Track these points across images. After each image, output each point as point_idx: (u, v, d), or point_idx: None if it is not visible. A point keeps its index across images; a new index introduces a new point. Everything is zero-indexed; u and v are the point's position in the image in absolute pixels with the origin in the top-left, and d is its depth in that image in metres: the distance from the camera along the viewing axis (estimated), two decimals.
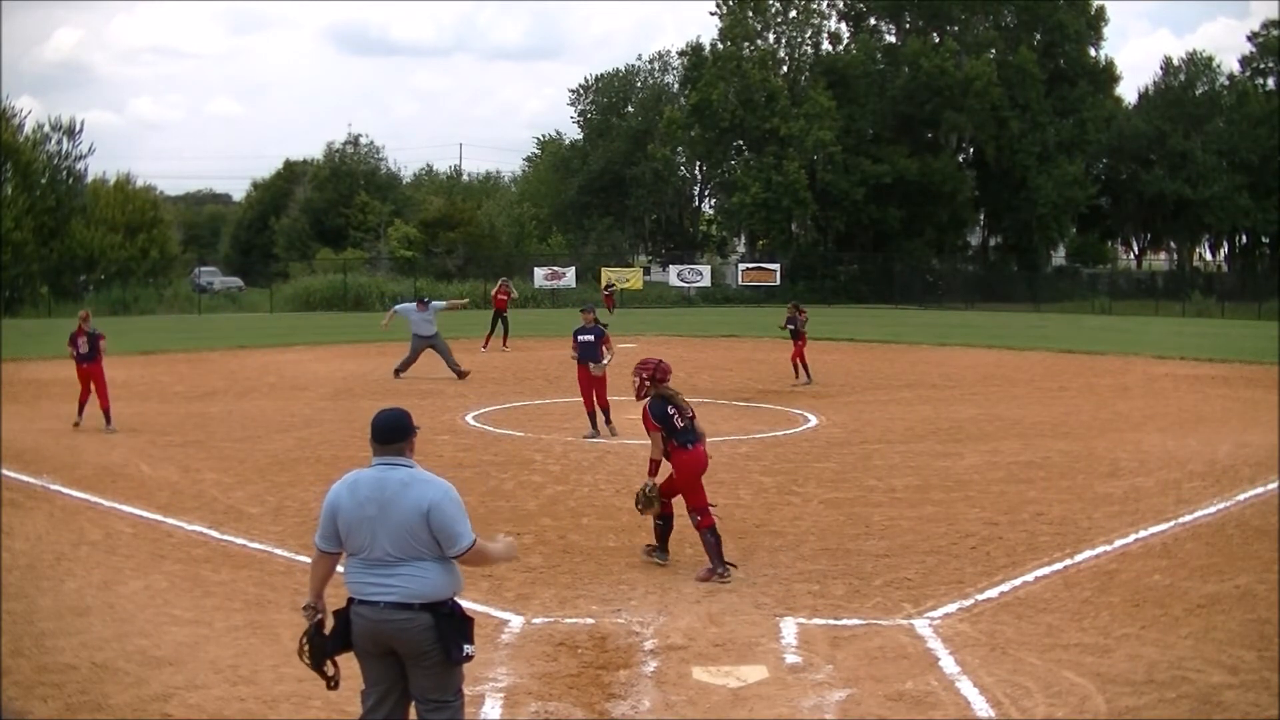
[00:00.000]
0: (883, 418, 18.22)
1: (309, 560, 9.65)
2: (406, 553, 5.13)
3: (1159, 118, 65.94)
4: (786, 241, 65.00)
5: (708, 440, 9.66)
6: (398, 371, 23.53)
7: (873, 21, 69.19)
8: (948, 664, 7.26)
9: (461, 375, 23.12)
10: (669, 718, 6.52)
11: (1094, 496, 12.28)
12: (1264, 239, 69.57)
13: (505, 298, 31.65)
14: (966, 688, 6.86)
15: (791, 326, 22.87)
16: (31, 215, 52.07)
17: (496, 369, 25.54)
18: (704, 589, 8.88)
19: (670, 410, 9.17)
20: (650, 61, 76.27)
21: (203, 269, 69.36)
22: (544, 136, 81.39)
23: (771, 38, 65.93)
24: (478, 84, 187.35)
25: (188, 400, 20.68)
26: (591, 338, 16.27)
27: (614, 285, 50.99)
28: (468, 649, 5.19)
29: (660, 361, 9.59)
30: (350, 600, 5.24)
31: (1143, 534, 10.59)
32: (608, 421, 16.14)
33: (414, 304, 24.54)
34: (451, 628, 5.16)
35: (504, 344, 30.63)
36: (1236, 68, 68.27)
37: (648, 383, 9.40)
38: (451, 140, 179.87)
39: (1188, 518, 11.24)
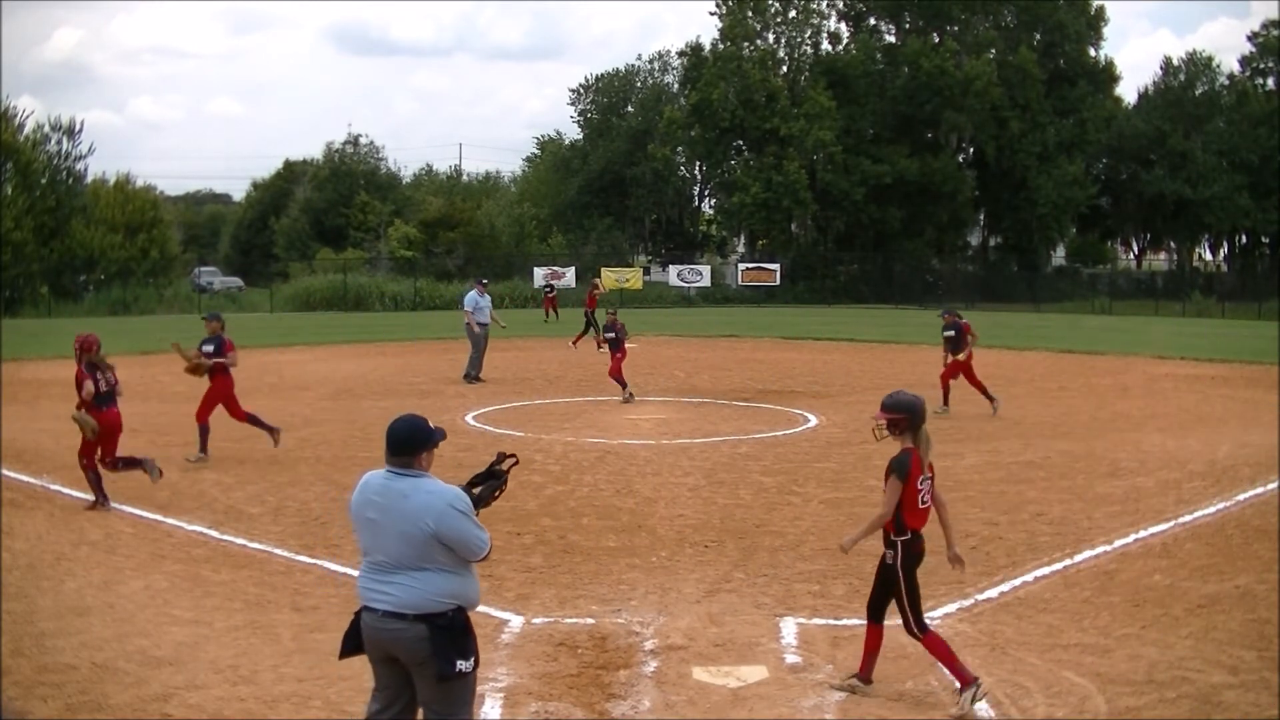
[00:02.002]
0: None
1: (309, 560, 9.72)
2: (402, 562, 5.00)
3: (1159, 118, 65.96)
4: (786, 241, 65.02)
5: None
6: (473, 376, 22.64)
7: (873, 21, 69.23)
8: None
9: (472, 380, 22.59)
10: (669, 718, 6.52)
11: (1094, 496, 12.28)
12: (1264, 239, 69.62)
13: (596, 295, 31.70)
14: None
15: (611, 335, 20.47)
16: (31, 215, 52.09)
17: (497, 369, 25.50)
18: (704, 589, 8.89)
19: (98, 375, 11.53)
20: (650, 61, 76.49)
21: (203, 269, 69.42)
22: (544, 137, 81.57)
23: (771, 38, 65.98)
24: (478, 84, 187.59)
25: (188, 400, 20.59)
26: (212, 347, 14.83)
27: (553, 288, 47.99)
28: (461, 665, 5.00)
29: (89, 336, 11.87)
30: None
31: (1143, 534, 10.58)
32: (271, 433, 14.83)
33: (473, 290, 23.72)
34: (446, 641, 4.99)
35: (599, 344, 29.30)
36: (1236, 68, 68.36)
37: (82, 352, 11.64)
38: (451, 140, 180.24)
39: (1188, 518, 11.24)
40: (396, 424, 5.16)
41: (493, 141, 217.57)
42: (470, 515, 5.07)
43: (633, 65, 75.87)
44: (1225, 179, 63.08)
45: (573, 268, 59.58)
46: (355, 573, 9.28)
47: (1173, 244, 73.35)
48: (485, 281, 25.07)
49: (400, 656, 5.09)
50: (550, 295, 45.68)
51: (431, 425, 5.21)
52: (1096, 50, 69.06)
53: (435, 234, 63.32)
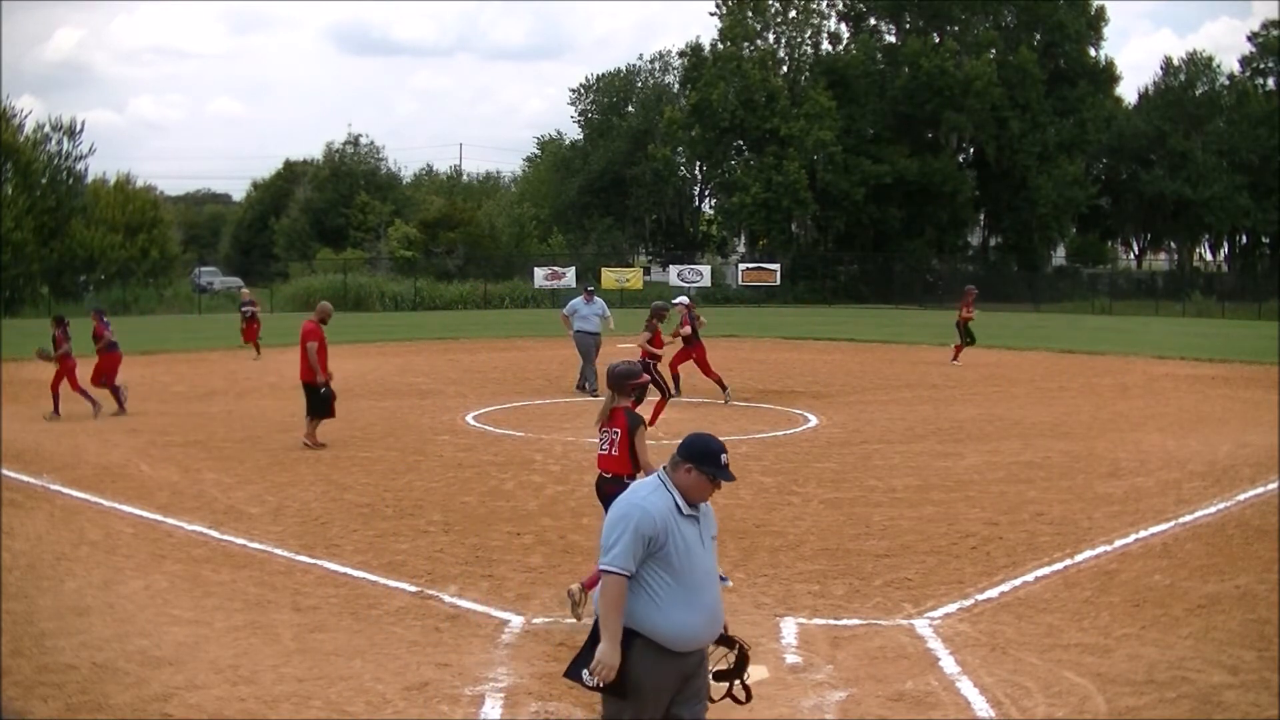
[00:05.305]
0: (883, 418, 18.21)
1: (309, 560, 9.73)
2: None
3: (1159, 118, 65.97)
4: (786, 241, 65.00)
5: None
6: (582, 386, 21.11)
7: (873, 21, 69.19)
8: (948, 664, 7.25)
9: (589, 392, 20.62)
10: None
11: (1094, 496, 12.27)
12: (1264, 239, 69.59)
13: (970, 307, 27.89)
14: (966, 688, 6.85)
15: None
16: (31, 215, 52.08)
17: (496, 369, 25.54)
18: None
19: None
20: (650, 61, 76.46)
21: (203, 269, 69.39)
22: (544, 137, 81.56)
23: (771, 38, 65.97)
24: (478, 84, 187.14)
25: (188, 400, 20.68)
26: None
27: (251, 301, 31.15)
28: (585, 676, 4.77)
29: None
30: None
31: (1143, 534, 10.57)
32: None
33: (579, 297, 22.30)
34: (588, 647, 4.91)
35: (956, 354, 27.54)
36: (1237, 68, 68.38)
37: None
38: (451, 140, 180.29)
39: (1188, 518, 11.23)
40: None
41: (493, 141, 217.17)
42: (617, 527, 4.91)
43: (633, 65, 75.97)
44: (1225, 179, 63.06)
45: (573, 268, 59.58)
46: (355, 573, 9.34)
47: (1173, 244, 73.34)
48: (591, 288, 23.63)
49: None
50: (249, 314, 30.32)
51: (718, 452, 5.19)
52: (1097, 50, 69.06)
53: (435, 234, 63.30)
